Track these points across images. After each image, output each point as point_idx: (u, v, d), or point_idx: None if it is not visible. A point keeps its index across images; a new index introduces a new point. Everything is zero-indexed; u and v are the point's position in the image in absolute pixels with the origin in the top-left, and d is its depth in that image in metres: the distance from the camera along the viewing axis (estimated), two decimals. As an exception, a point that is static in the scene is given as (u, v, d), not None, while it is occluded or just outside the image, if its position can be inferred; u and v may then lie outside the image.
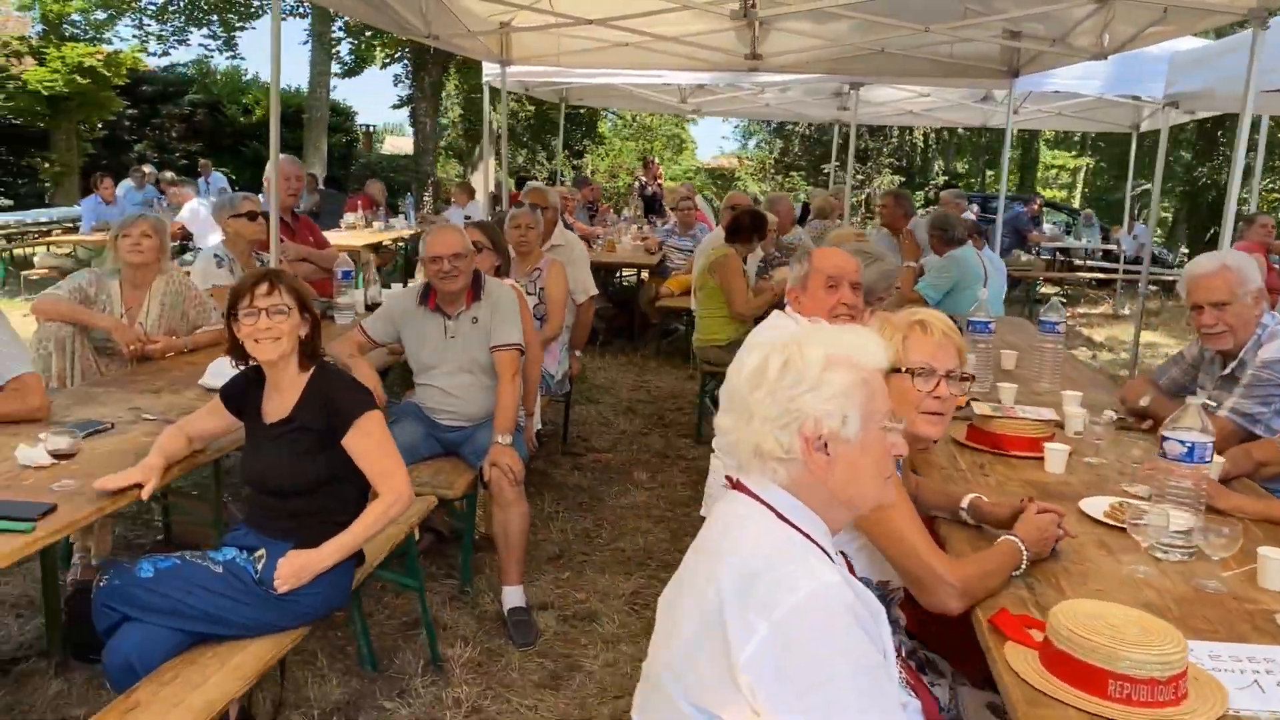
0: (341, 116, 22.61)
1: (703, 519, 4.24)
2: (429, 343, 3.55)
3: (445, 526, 4.08)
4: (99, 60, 15.33)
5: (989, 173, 26.97)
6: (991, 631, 1.66)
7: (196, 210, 9.83)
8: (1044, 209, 14.10)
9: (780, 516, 1.30)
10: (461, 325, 3.51)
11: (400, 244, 10.67)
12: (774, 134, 20.14)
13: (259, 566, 2.31)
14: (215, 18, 16.97)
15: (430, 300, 3.51)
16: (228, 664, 2.23)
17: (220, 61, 22.68)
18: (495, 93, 9.19)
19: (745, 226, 5.41)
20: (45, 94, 14.89)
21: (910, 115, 11.02)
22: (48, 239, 11.35)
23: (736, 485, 1.38)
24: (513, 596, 3.42)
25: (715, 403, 6.02)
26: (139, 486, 2.31)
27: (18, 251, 12.25)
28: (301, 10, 16.52)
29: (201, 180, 13.45)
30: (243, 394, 2.54)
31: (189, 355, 3.84)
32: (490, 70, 8.42)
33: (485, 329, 3.49)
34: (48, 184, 17.41)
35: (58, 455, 2.32)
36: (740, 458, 1.36)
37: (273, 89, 4.57)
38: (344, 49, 18.05)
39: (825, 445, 1.30)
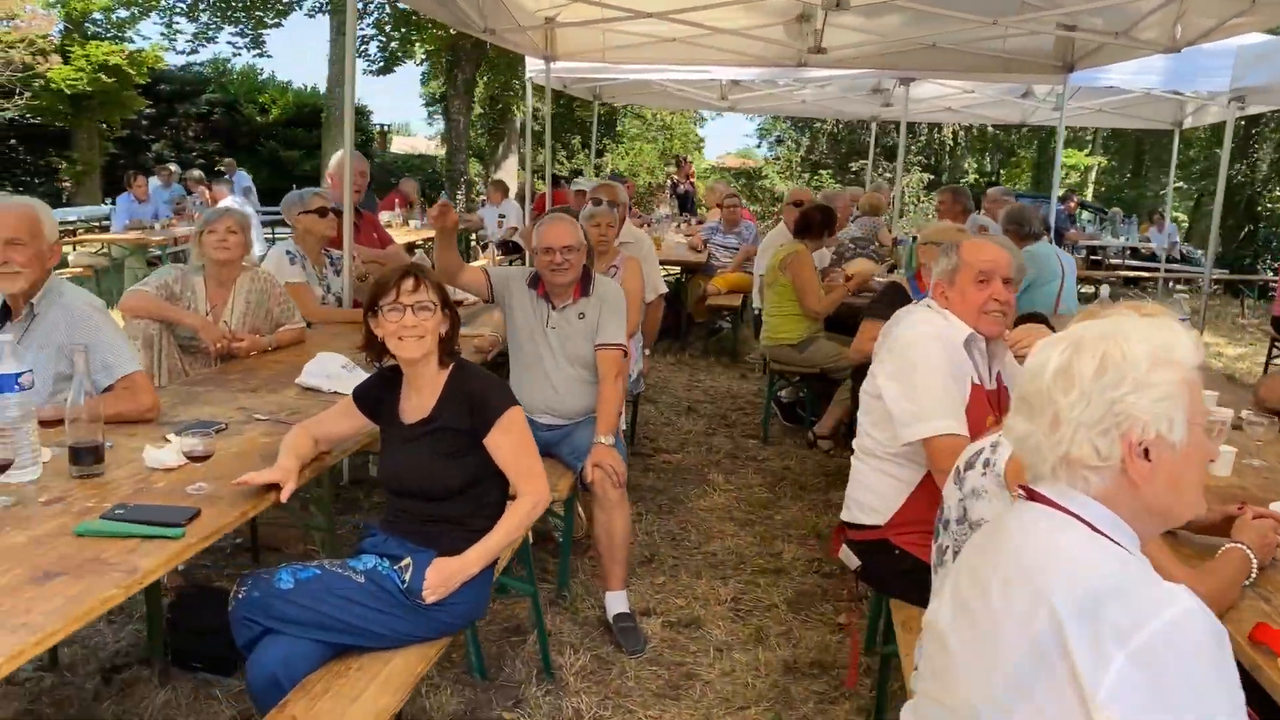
0: (356, 115, 22.53)
1: (789, 522, 4.06)
2: (528, 328, 3.46)
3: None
4: (123, 59, 15.24)
5: (1001, 171, 26.85)
6: (1253, 646, 1.55)
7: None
8: (1080, 208, 13.97)
9: (1094, 530, 1.19)
10: (566, 318, 3.41)
11: (431, 244, 10.56)
12: (800, 131, 20.00)
13: (406, 576, 2.20)
14: (244, 15, 16.81)
15: (540, 287, 3.42)
16: (377, 677, 2.12)
17: (245, 59, 22.62)
18: (533, 89, 9.07)
19: (816, 223, 5.30)
20: (68, 93, 14.80)
21: (949, 112, 10.89)
22: (74, 238, 11.25)
23: (1032, 495, 1.26)
24: (617, 602, 3.32)
25: (779, 404, 5.92)
26: (277, 488, 2.20)
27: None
28: (328, 8, 16.39)
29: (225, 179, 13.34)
30: (377, 395, 2.43)
31: (273, 354, 3.74)
32: (534, 66, 8.32)
33: (592, 325, 3.39)
34: (66, 183, 17.33)
35: (193, 457, 2.21)
36: (1040, 466, 1.25)
37: (347, 89, 4.48)
38: (371, 47, 17.91)
39: (1146, 451, 1.19)
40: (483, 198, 13.24)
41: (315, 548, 3.90)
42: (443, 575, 2.21)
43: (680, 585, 3.69)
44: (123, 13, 16.70)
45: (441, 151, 25.70)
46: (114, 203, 11.09)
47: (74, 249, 10.98)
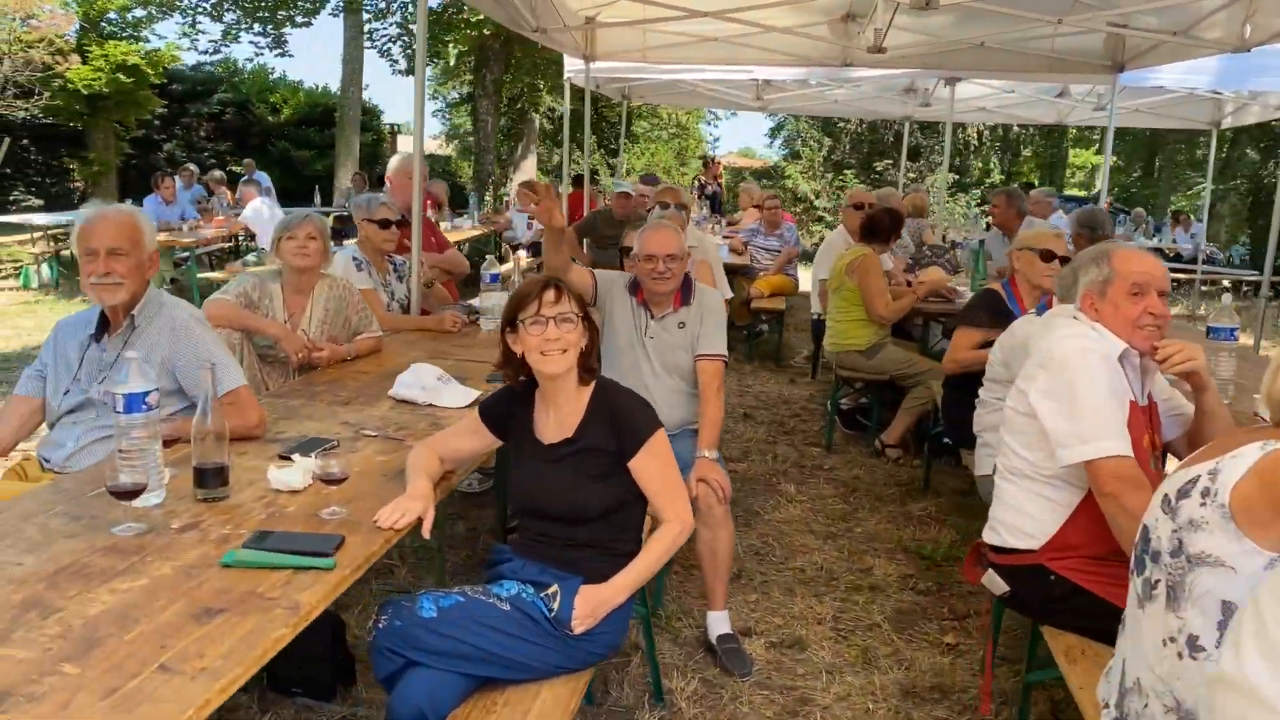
0: (368, 116, 22.43)
1: (872, 535, 3.90)
2: (627, 335, 3.35)
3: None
4: (140, 58, 15.11)
5: (1011, 170, 26.73)
6: None
7: (259, 209, 9.63)
8: (1114, 209, 13.86)
9: None
10: (665, 327, 3.30)
11: (458, 246, 10.42)
12: (823, 131, 19.88)
13: (554, 604, 2.09)
14: (267, 15, 16.65)
15: (639, 294, 3.31)
16: (529, 714, 2.01)
17: (257, 59, 22.44)
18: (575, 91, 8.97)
19: (884, 226, 5.18)
20: (85, 93, 14.66)
21: (983, 111, 10.79)
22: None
23: None
24: (719, 623, 3.20)
25: (838, 409, 5.80)
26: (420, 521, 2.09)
27: (65, 252, 12.02)
28: (349, 6, 16.23)
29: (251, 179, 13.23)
30: (506, 410, 2.31)
31: (353, 363, 3.62)
32: (571, 66, 8.22)
33: (692, 335, 3.28)
34: (78, 184, 17.20)
35: (329, 480, 2.09)
36: None
37: (416, 96, 4.36)
38: (395, 48, 17.79)
39: None
40: (507, 199, 13.13)
41: (394, 562, 3.79)
42: (591, 604, 2.09)
43: (774, 603, 3.57)
44: (139, 12, 16.55)
45: (448, 151, 25.57)
46: (135, 204, 10.96)
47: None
